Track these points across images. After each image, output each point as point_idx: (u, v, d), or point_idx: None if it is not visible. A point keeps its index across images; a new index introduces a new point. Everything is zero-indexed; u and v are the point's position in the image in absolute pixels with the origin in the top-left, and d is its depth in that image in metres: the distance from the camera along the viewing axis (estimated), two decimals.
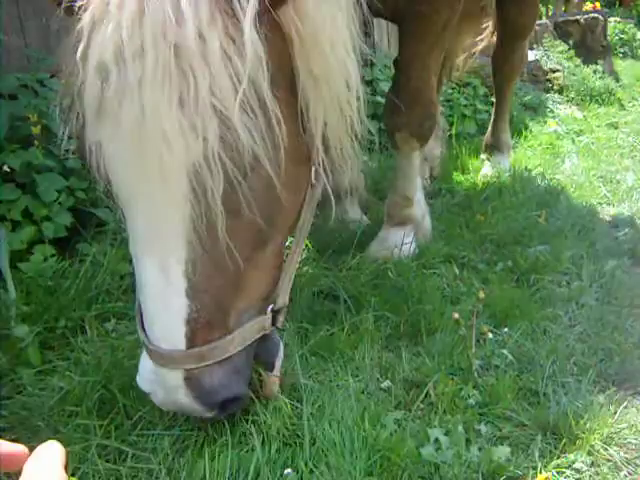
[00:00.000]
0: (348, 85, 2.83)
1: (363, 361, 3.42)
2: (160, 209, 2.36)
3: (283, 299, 2.88)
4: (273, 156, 2.42)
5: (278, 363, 2.94)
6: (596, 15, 12.93)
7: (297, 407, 2.99)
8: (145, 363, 2.61)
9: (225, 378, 2.60)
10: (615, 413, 3.18)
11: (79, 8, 2.31)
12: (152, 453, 2.78)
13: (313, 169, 2.91)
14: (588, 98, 10.66)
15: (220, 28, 2.25)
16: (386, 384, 3.32)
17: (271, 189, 2.49)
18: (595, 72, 11.54)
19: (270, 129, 2.38)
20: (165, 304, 2.47)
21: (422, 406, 3.16)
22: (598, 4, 16.86)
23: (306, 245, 4.50)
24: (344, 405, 2.99)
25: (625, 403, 3.30)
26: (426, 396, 3.19)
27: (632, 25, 17.84)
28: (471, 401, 3.16)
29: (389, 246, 4.54)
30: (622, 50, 15.98)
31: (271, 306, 2.80)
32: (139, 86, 2.18)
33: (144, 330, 2.60)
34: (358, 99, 2.91)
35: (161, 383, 2.58)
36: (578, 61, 11.68)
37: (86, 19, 2.27)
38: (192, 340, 2.51)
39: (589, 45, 12.53)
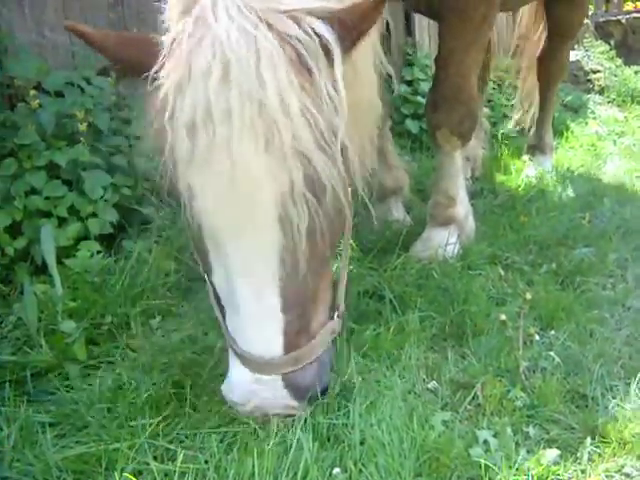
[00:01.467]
0: (371, 104, 3.31)
1: (409, 361, 3.41)
2: (254, 242, 2.67)
3: (342, 305, 3.16)
4: (343, 186, 2.77)
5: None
6: (638, 15, 12.81)
7: (346, 406, 2.99)
8: (240, 375, 2.88)
9: (316, 374, 2.93)
10: None
11: (157, 73, 2.64)
12: (200, 451, 2.79)
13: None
14: (629, 99, 10.56)
15: (296, 87, 2.56)
16: (433, 385, 3.31)
17: (338, 214, 2.86)
18: (636, 73, 11.43)
19: (341, 164, 2.72)
20: (264, 320, 2.81)
21: (470, 407, 3.15)
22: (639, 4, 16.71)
23: (350, 245, 4.50)
24: (392, 405, 2.99)
25: None
26: (473, 398, 3.18)
27: None
28: (519, 403, 3.15)
29: (433, 246, 4.52)
30: None
31: (337, 312, 3.11)
32: (228, 142, 2.49)
33: (234, 344, 2.88)
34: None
35: (260, 389, 2.86)
36: (619, 61, 11.58)
37: (170, 84, 2.57)
38: (288, 347, 2.84)
39: (630, 45, 12.41)
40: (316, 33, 2.63)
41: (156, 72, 2.63)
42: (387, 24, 8.28)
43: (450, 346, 3.61)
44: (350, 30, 2.69)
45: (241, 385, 2.89)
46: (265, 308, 2.79)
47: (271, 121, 2.51)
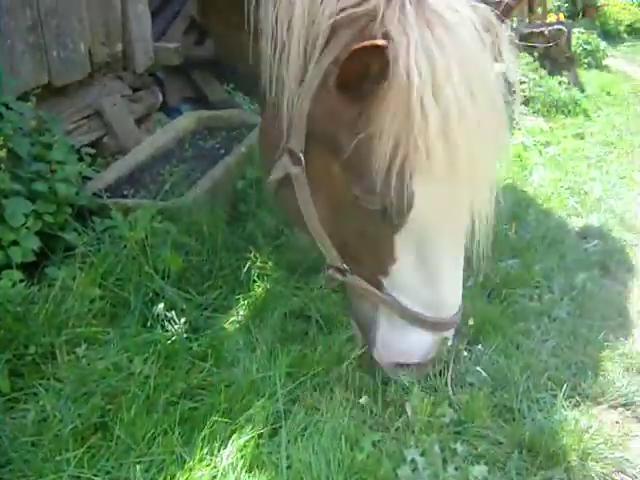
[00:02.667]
0: None
1: (337, 381, 3.39)
2: (458, 229, 3.02)
3: None
4: None
5: None
6: (560, 27, 12.94)
7: (274, 429, 2.98)
8: (424, 339, 3.26)
9: None
10: (590, 428, 3.19)
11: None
12: None
13: None
14: (554, 109, 10.63)
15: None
16: (364, 399, 3.31)
17: None
18: (560, 83, 11.52)
19: None
20: (458, 284, 3.22)
21: (399, 425, 3.15)
22: (562, 16, 16.93)
23: (276, 264, 4.47)
24: (320, 427, 2.97)
25: (600, 417, 3.33)
26: (400, 416, 3.18)
27: (595, 36, 17.96)
28: (446, 420, 3.16)
29: None
30: (586, 60, 15.99)
31: None
32: (469, 135, 2.70)
33: (420, 316, 3.20)
34: None
35: (438, 345, 3.30)
36: (543, 72, 11.67)
37: (410, 87, 2.61)
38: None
39: (554, 56, 12.51)
40: (491, 23, 2.85)
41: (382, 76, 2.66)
42: None
43: None
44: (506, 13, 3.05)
45: (425, 346, 3.27)
46: (459, 276, 3.19)
47: (496, 116, 2.84)
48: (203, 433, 2.98)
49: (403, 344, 3.28)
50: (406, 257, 3.07)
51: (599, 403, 3.48)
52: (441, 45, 2.64)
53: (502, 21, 2.91)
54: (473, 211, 2.95)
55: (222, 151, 5.84)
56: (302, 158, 3.08)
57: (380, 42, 2.55)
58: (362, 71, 2.64)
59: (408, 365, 3.33)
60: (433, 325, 3.22)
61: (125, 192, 5.14)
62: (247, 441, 2.92)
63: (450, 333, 3.33)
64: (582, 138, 9.31)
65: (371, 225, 3.02)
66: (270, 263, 4.48)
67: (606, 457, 3.06)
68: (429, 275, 3.11)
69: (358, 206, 2.97)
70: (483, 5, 2.81)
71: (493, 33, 2.84)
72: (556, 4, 20.42)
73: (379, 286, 3.20)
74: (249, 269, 4.38)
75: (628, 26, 23.45)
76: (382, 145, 2.69)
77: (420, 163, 2.71)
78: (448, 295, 3.20)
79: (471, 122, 2.69)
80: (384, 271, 3.15)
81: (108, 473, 2.83)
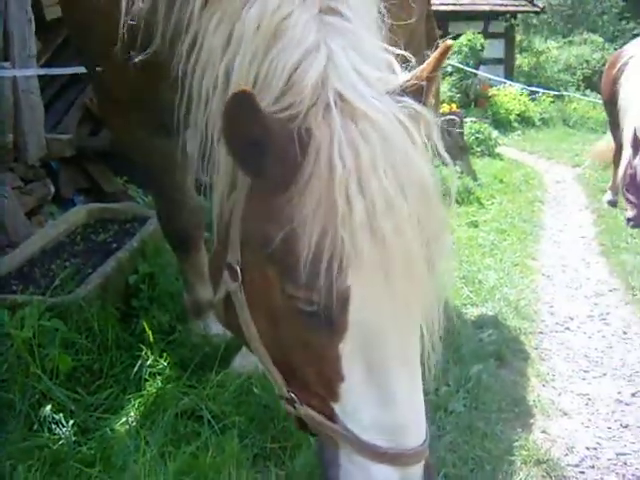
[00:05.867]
0: None
1: None
2: (411, 325, 2.59)
3: None
4: None
5: None
6: (453, 117, 13.20)
7: None
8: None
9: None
10: None
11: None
12: None
13: None
14: (448, 198, 10.80)
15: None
16: None
17: None
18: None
19: None
20: (417, 406, 2.65)
21: None
22: (455, 105, 17.32)
23: (168, 362, 4.37)
24: None
25: None
26: None
27: (487, 125, 18.43)
28: None
29: (253, 360, 4.37)
30: (479, 149, 16.37)
31: None
32: (397, 229, 2.44)
33: (374, 448, 2.64)
34: None
35: None
36: (437, 162, 11.88)
37: (337, 180, 2.44)
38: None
39: (447, 146, 12.72)
40: (415, 110, 2.67)
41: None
42: None
43: (272, 465, 3.51)
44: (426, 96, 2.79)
45: None
46: (417, 396, 2.67)
47: (423, 210, 2.55)
48: None
49: None
50: (355, 373, 2.65)
51: None
52: (365, 136, 2.52)
53: (424, 106, 2.75)
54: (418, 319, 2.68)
55: (114, 245, 5.74)
56: (238, 271, 2.87)
57: (245, 88, 2.43)
58: (240, 133, 2.48)
59: None
60: (394, 458, 2.64)
61: (14, 287, 5.00)
62: None
63: (418, 469, 2.69)
64: (476, 226, 9.44)
65: (311, 333, 2.66)
66: (162, 360, 4.37)
67: None
68: (383, 393, 2.64)
69: (294, 310, 2.65)
70: (405, 98, 2.67)
71: (423, 122, 2.72)
72: (449, 94, 20.99)
73: (332, 416, 2.74)
74: (140, 367, 4.27)
75: (518, 115, 24.16)
76: (307, 235, 2.49)
77: (349, 257, 2.47)
78: (407, 417, 2.66)
79: (400, 216, 2.48)
80: (333, 394, 2.70)
81: None
